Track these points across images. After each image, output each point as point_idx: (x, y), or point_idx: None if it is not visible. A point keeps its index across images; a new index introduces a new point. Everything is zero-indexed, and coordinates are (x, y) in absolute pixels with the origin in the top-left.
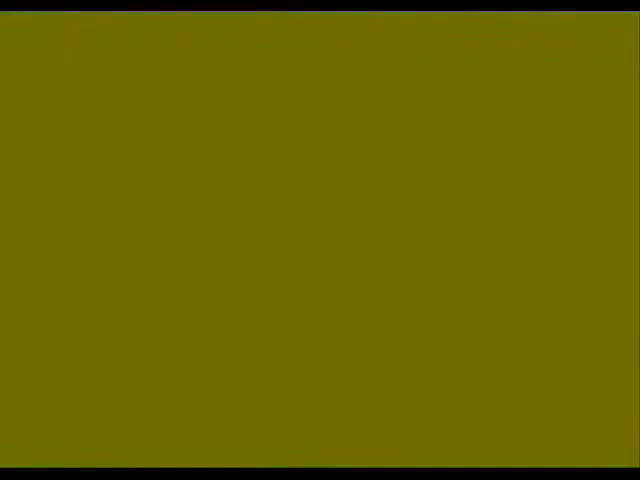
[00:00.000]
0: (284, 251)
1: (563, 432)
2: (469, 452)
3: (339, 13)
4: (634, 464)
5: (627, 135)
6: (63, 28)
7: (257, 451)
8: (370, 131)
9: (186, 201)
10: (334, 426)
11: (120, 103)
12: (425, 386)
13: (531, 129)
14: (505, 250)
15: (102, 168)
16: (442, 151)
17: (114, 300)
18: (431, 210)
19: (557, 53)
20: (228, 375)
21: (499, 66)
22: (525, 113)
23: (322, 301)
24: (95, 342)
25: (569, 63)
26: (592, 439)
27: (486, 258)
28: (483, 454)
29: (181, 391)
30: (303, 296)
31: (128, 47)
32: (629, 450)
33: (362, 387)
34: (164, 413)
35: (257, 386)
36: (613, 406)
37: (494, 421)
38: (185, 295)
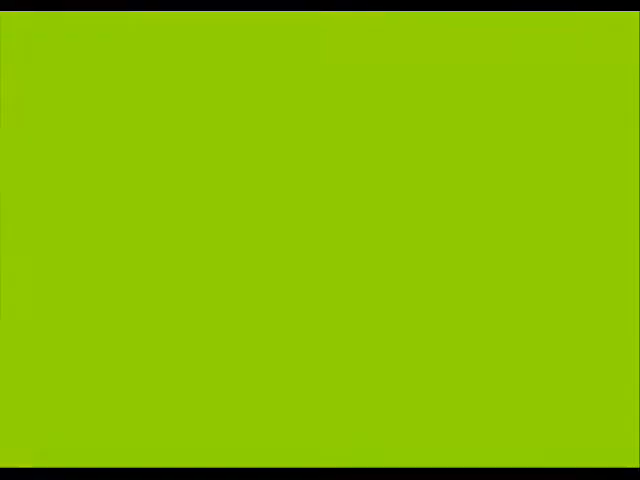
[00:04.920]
0: (284, 251)
1: (563, 432)
2: (469, 452)
3: (339, 13)
4: (634, 464)
5: (627, 135)
6: (63, 28)
7: (257, 451)
8: (370, 131)
9: (186, 201)
10: (334, 426)
11: (120, 103)
12: (425, 386)
13: (531, 129)
14: (505, 251)
15: (103, 168)
16: (442, 151)
17: (114, 300)
18: (430, 210)
19: (557, 53)
20: (228, 375)
21: (499, 66)
22: (525, 113)
23: (322, 301)
24: (95, 342)
25: (569, 63)
26: (592, 439)
27: (486, 259)
28: (483, 454)
29: (181, 391)
30: (303, 296)
31: (128, 47)
32: (629, 450)
33: (362, 387)
34: (164, 413)
35: (257, 386)
36: (613, 406)
37: (494, 421)
38: (185, 296)
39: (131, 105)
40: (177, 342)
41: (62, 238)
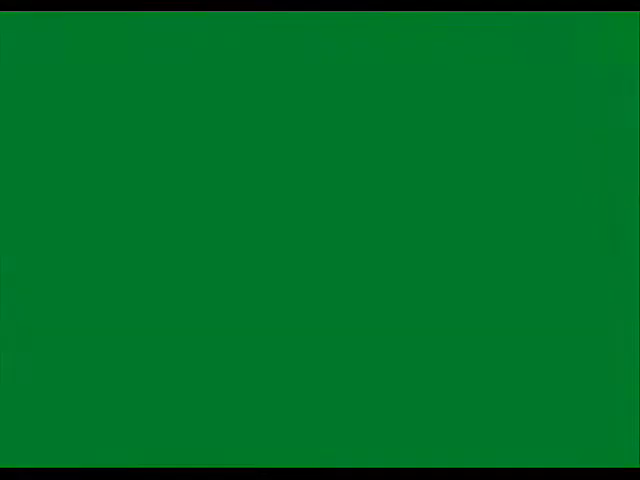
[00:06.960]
0: (284, 251)
1: (563, 432)
2: (469, 452)
3: (339, 13)
4: (634, 464)
5: (627, 136)
6: (63, 28)
7: (257, 451)
8: (369, 132)
9: (183, 201)
10: (334, 426)
11: (119, 103)
12: (425, 386)
13: (530, 130)
14: (505, 251)
15: (102, 169)
16: (441, 151)
17: (112, 300)
18: (429, 210)
19: (557, 53)
20: (227, 375)
21: (499, 66)
22: (525, 113)
23: (321, 302)
24: (96, 342)
25: (569, 63)
26: (592, 439)
27: (486, 259)
28: (483, 454)
29: (181, 391)
30: (302, 296)
31: (128, 47)
32: (629, 450)
33: (362, 387)
34: (164, 413)
35: (257, 386)
36: (613, 406)
37: (494, 421)
38: (184, 296)
39: (131, 105)
40: (177, 341)
41: (60, 238)
